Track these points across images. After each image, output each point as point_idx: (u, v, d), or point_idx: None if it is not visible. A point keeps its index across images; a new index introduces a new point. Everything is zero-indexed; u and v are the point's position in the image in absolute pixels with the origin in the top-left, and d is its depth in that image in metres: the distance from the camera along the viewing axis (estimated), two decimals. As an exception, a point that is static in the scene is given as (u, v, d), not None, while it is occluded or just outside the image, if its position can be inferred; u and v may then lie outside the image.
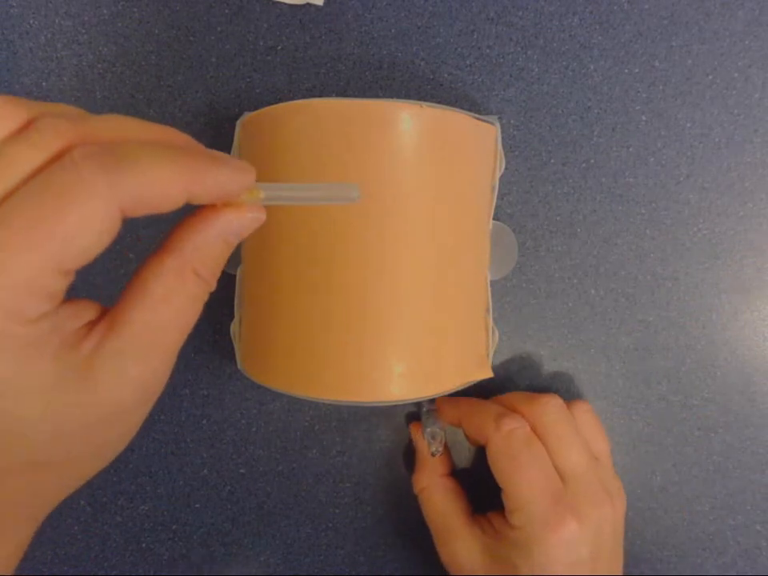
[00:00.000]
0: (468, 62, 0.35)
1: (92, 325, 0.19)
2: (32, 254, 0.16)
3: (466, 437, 0.34)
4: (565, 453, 0.31)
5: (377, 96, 0.35)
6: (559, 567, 0.29)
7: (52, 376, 0.17)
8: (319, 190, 0.20)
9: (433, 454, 0.32)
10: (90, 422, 0.18)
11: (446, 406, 0.35)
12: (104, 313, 0.19)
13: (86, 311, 0.19)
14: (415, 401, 0.30)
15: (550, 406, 0.32)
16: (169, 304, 0.19)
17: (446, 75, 0.35)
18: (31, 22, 0.35)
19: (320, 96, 0.35)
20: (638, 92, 0.35)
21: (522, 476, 0.30)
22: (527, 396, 0.33)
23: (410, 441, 0.38)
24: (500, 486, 0.31)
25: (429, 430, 0.33)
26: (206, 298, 0.21)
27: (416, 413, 0.37)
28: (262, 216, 0.20)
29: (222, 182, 0.19)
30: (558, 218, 0.36)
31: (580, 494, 0.30)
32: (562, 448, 0.31)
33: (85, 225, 0.16)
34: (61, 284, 0.17)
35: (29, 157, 0.16)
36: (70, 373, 0.18)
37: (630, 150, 0.36)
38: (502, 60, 0.35)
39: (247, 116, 0.31)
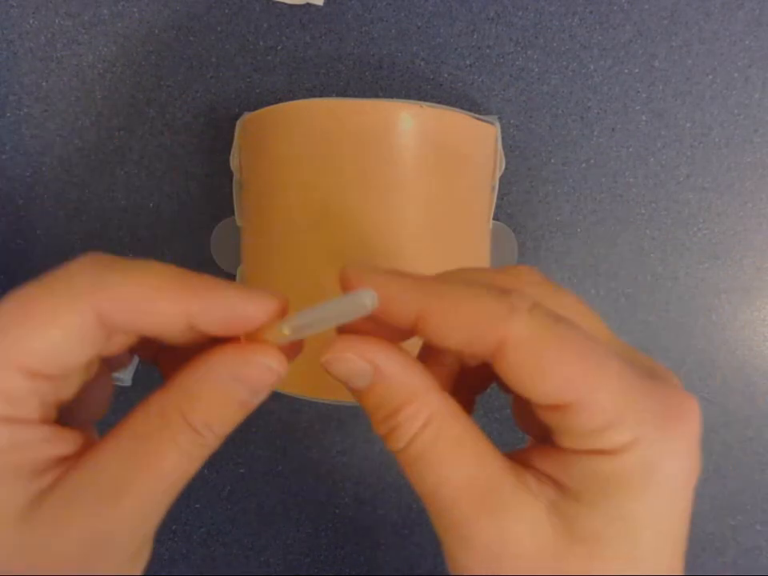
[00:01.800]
0: (468, 62, 0.35)
1: (68, 457, 0.16)
2: None
3: (432, 351, 0.20)
4: (595, 324, 0.18)
5: (377, 96, 0.35)
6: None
7: (4, 499, 0.15)
8: (339, 304, 0.17)
9: None
10: (35, 564, 0.15)
11: (397, 290, 0.17)
12: (89, 438, 0.16)
13: (69, 439, 0.16)
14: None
15: (534, 273, 0.19)
16: (144, 455, 0.15)
17: (445, 75, 0.35)
18: (31, 21, 0.35)
19: (320, 96, 0.35)
20: (638, 92, 0.35)
21: (602, 364, 0.15)
22: (497, 270, 0.20)
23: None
24: (551, 401, 0.15)
25: None
26: (205, 455, 0.17)
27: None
28: (284, 371, 0.17)
29: (232, 305, 0.16)
30: (558, 218, 0.36)
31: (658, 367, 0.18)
32: (585, 319, 0.18)
33: (55, 330, 0.15)
34: (25, 386, 0.15)
35: None
36: (21, 502, 0.15)
37: (630, 149, 0.36)
38: (501, 60, 0.35)
39: (247, 116, 0.31)
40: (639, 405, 0.15)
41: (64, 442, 0.16)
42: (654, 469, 0.16)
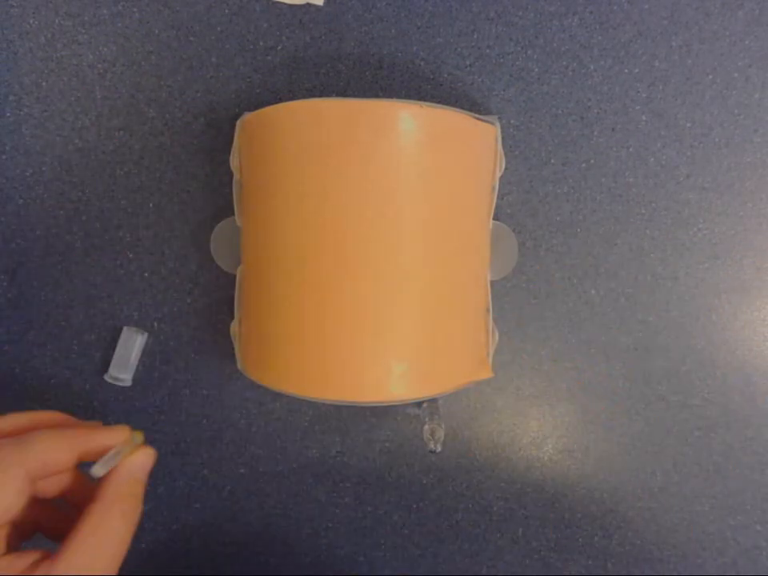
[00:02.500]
0: (468, 62, 0.35)
1: (39, 562, 0.25)
2: None
3: None
4: None
5: (377, 96, 0.35)
6: None
7: None
8: (120, 452, 0.28)
9: (432, 452, 0.32)
10: None
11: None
12: (47, 556, 0.25)
13: (31, 556, 0.25)
14: (415, 401, 0.30)
15: None
16: (95, 544, 0.25)
17: (445, 75, 0.35)
18: (31, 21, 0.35)
19: (320, 96, 0.35)
20: (638, 92, 0.35)
21: None
22: None
23: (410, 441, 0.38)
24: None
25: (427, 427, 0.33)
26: (133, 527, 0.27)
27: (416, 413, 0.37)
28: (153, 453, 0.28)
29: (100, 443, 0.27)
30: (558, 218, 0.36)
31: None
32: None
33: (3, 497, 0.24)
34: None
35: None
36: None
37: (630, 150, 0.36)
38: (502, 60, 0.35)
39: (247, 116, 0.31)
40: None
41: (32, 555, 0.25)
42: None
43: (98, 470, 0.27)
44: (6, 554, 0.25)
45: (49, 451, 0.25)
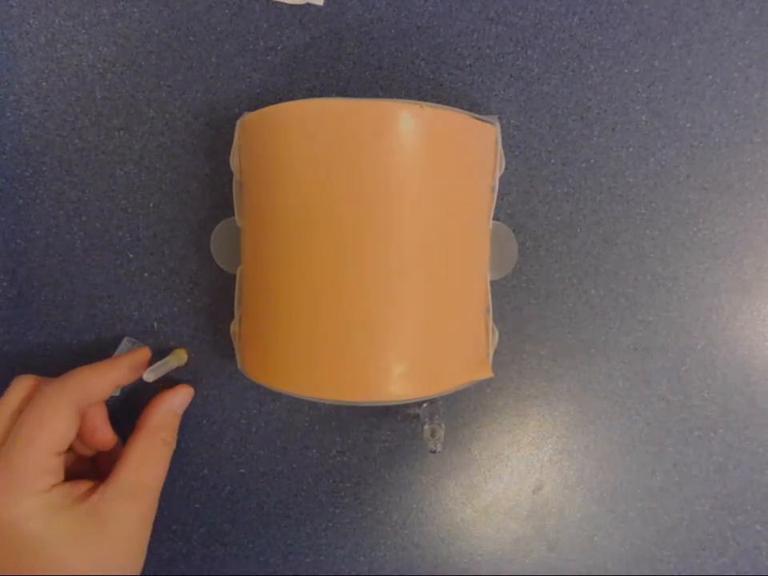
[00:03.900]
0: (468, 62, 0.35)
1: (95, 487, 0.29)
2: (33, 448, 0.27)
3: None
4: None
5: (377, 96, 0.35)
6: None
7: (72, 523, 0.27)
8: (171, 360, 0.35)
9: (432, 452, 0.32)
10: (105, 553, 0.28)
11: None
12: (100, 482, 0.30)
13: (87, 483, 0.29)
14: (415, 401, 0.30)
15: None
16: (145, 463, 0.30)
17: (445, 75, 0.35)
18: (31, 21, 0.35)
19: (320, 96, 0.35)
20: (638, 92, 0.35)
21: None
22: None
23: (410, 441, 0.38)
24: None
25: (427, 427, 0.33)
26: (171, 453, 0.33)
27: (416, 412, 0.37)
28: (191, 391, 0.35)
29: (128, 365, 0.33)
30: (558, 218, 0.36)
31: None
32: None
33: (59, 423, 0.28)
34: (57, 463, 0.28)
35: (16, 396, 0.30)
36: (86, 518, 0.28)
37: (630, 150, 0.36)
38: (501, 60, 0.35)
39: (247, 116, 0.31)
40: None
41: (86, 483, 0.30)
42: None
43: (148, 375, 0.32)
44: (64, 481, 0.28)
45: (87, 379, 0.30)
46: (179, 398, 0.34)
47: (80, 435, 0.31)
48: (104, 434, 0.32)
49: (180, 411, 0.34)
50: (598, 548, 0.38)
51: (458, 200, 0.29)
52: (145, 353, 0.34)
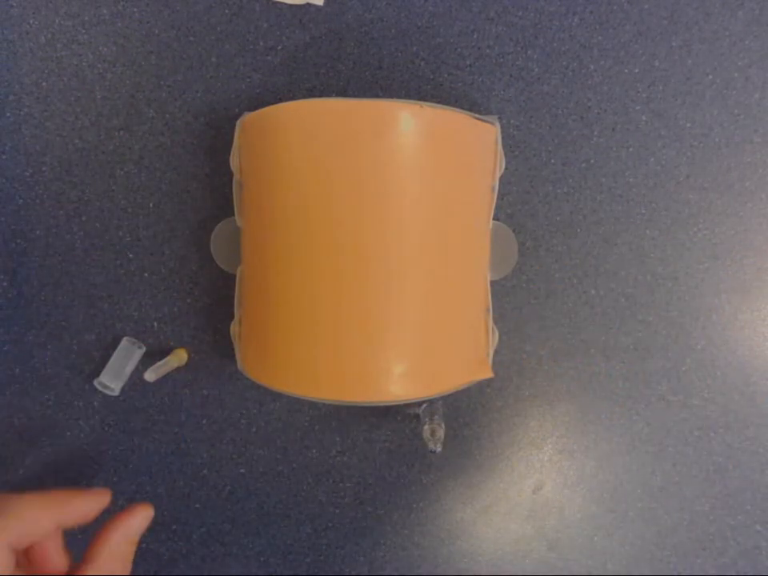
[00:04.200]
0: (468, 62, 0.35)
1: None
2: None
3: None
4: None
5: (377, 96, 0.35)
6: None
7: None
8: (173, 360, 0.35)
9: (432, 452, 0.32)
10: None
11: None
12: None
13: None
14: (415, 401, 0.30)
15: None
16: None
17: (445, 75, 0.35)
18: (31, 21, 0.35)
19: (320, 96, 0.35)
20: (638, 92, 0.35)
21: None
22: None
23: (410, 441, 0.38)
24: None
25: (427, 427, 0.33)
26: None
27: (416, 412, 0.37)
28: (150, 512, 0.28)
29: (81, 509, 0.27)
30: (558, 218, 0.36)
31: None
32: None
33: None
34: None
35: None
36: None
37: (630, 150, 0.36)
38: (501, 60, 0.35)
39: (247, 116, 0.31)
40: None
41: None
42: None
43: (149, 375, 0.31)
44: None
45: (29, 521, 0.26)
46: (137, 523, 0.28)
47: (30, 561, 0.28)
48: (55, 564, 0.28)
49: (137, 538, 0.28)
50: (598, 548, 0.38)
51: (457, 200, 0.29)
52: (103, 499, 0.28)
